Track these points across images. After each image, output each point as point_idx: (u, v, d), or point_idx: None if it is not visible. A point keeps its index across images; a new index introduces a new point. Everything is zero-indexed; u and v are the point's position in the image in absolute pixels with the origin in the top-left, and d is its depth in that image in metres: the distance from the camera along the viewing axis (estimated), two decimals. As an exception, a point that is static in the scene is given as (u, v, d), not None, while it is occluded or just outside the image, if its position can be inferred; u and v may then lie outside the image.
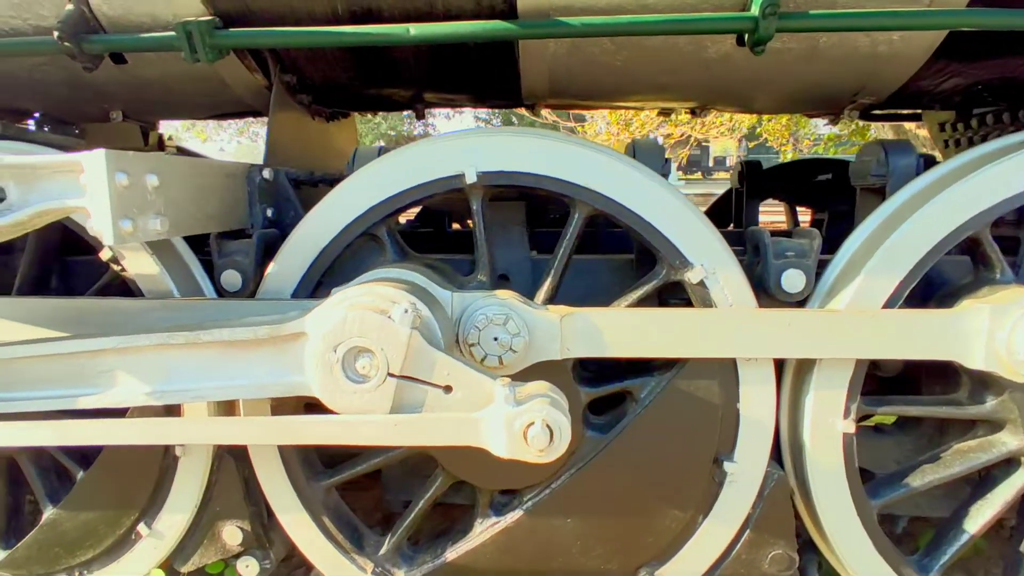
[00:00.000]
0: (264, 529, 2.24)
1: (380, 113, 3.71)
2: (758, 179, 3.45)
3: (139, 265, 2.06)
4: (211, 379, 1.80)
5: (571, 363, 1.96)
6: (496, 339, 1.80)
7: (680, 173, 22.48)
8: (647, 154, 2.14)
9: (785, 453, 2.07)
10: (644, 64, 2.35)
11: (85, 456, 2.29)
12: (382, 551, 2.15)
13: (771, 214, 6.27)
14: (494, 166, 1.90)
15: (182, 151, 3.96)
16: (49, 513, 2.27)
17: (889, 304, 1.86)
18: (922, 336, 1.81)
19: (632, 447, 1.97)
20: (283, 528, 2.17)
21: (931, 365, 2.09)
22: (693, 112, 2.91)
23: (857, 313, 1.83)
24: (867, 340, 1.81)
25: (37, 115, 3.07)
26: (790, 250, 1.96)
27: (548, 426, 1.45)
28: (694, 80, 2.44)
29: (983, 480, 2.07)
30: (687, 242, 1.87)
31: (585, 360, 2.02)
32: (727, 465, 1.95)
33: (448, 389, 1.57)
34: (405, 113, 3.42)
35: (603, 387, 2.00)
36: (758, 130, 8.56)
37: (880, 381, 2.30)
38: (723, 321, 1.83)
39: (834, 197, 3.14)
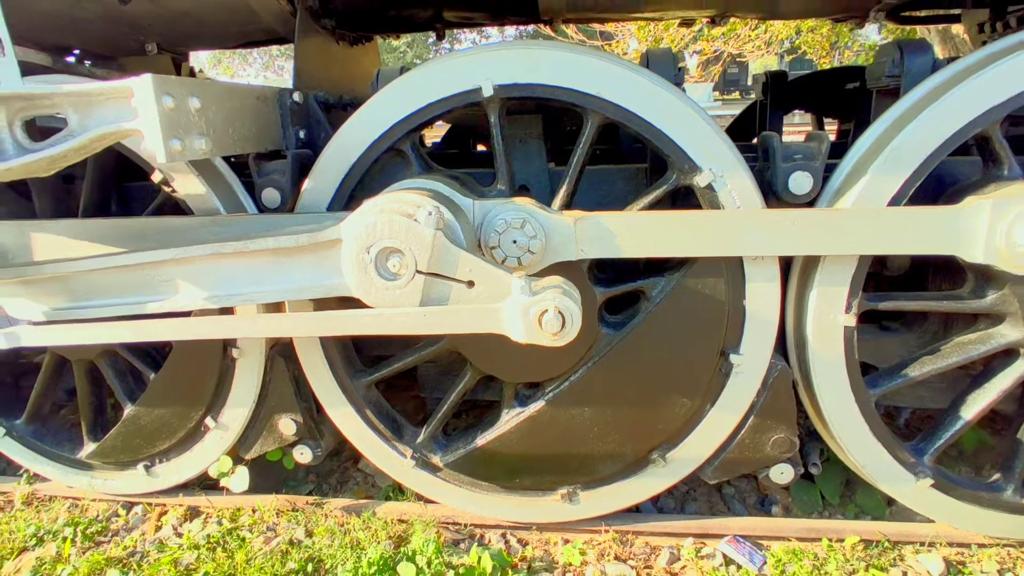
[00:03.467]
0: (315, 422, 2.51)
1: (405, 41, 3.75)
2: (783, 90, 3.42)
3: (188, 186, 2.25)
4: (259, 284, 2.01)
5: (586, 264, 2.09)
6: (515, 242, 1.94)
7: (716, 93, 21.62)
8: (660, 63, 2.19)
9: (791, 347, 2.20)
10: (657, -28, 2.35)
11: (155, 360, 2.58)
12: (419, 439, 2.40)
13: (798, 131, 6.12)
14: (509, 79, 1.98)
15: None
16: (129, 410, 2.58)
17: (894, 202, 1.92)
18: (924, 232, 1.88)
19: (644, 342, 2.13)
20: (331, 420, 2.43)
21: (937, 264, 2.18)
22: (713, 21, 2.89)
23: (859, 210, 1.90)
24: (869, 237, 1.89)
25: (76, 51, 3.23)
26: (798, 153, 2.02)
27: (560, 312, 1.62)
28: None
29: (982, 371, 2.17)
30: (696, 147, 1.95)
31: (601, 262, 2.16)
32: (733, 357, 2.10)
33: (471, 284, 1.73)
34: (431, 40, 3.46)
35: (617, 287, 2.14)
36: (796, 42, 8.14)
37: (889, 281, 2.39)
38: (728, 222, 1.93)
39: (860, 106, 3.11)
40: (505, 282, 1.68)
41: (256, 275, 2.02)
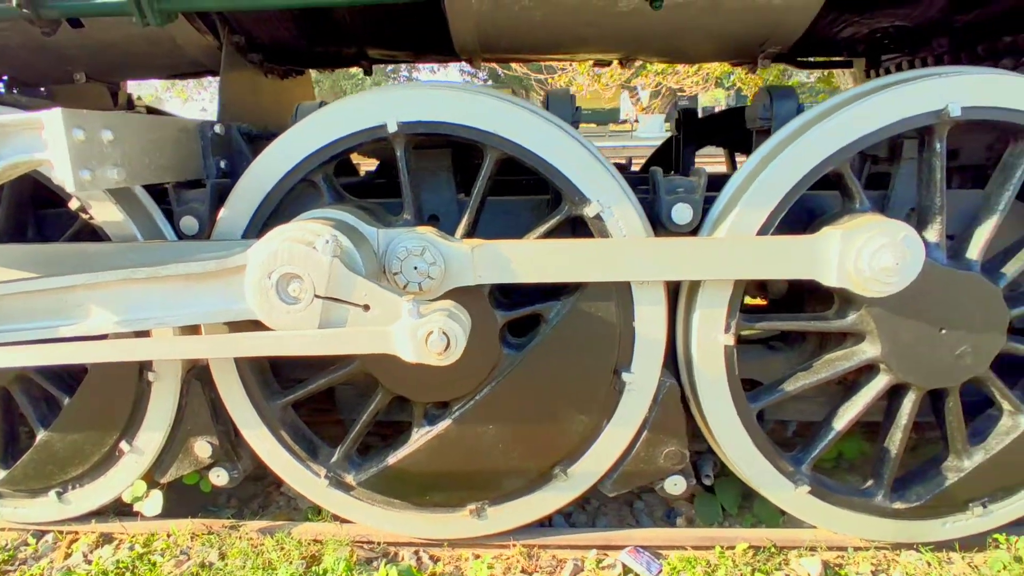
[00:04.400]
0: (232, 444, 2.56)
1: (362, 72, 3.85)
2: (694, 127, 3.67)
3: (105, 214, 2.31)
4: (170, 308, 2.08)
5: (487, 289, 2.23)
6: (416, 268, 2.07)
7: (668, 124, 22.43)
8: (558, 103, 2.37)
9: (682, 365, 2.37)
10: (562, 18, 2.55)
11: (69, 385, 2.59)
12: (334, 459, 2.47)
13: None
14: (413, 117, 2.13)
15: (152, 110, 4.14)
16: (42, 436, 2.58)
17: (763, 232, 2.12)
18: (787, 258, 2.08)
19: (542, 363, 2.27)
20: (247, 442, 2.48)
21: (811, 288, 2.38)
22: (621, 63, 3.11)
23: (730, 239, 2.10)
24: (740, 263, 2.09)
25: (4, 79, 3.26)
26: (680, 186, 2.22)
27: (444, 333, 1.74)
28: (610, 32, 2.65)
29: (851, 386, 2.38)
30: (584, 181, 2.12)
31: (504, 287, 2.30)
32: (625, 375, 2.25)
33: (367, 308, 1.84)
34: (388, 68, 3.60)
35: (517, 311, 2.28)
36: (732, 79, 8.64)
37: (772, 303, 2.60)
38: (613, 249, 2.09)
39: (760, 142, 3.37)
40: (396, 305, 1.80)
41: (167, 300, 2.08)
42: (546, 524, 2.75)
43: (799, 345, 2.56)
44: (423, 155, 2.42)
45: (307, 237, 1.87)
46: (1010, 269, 2.17)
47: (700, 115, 3.79)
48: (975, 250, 2.15)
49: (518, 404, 2.32)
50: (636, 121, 20.68)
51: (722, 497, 2.79)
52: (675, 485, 2.40)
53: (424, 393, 2.36)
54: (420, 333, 1.76)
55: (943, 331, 2.18)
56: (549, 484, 2.40)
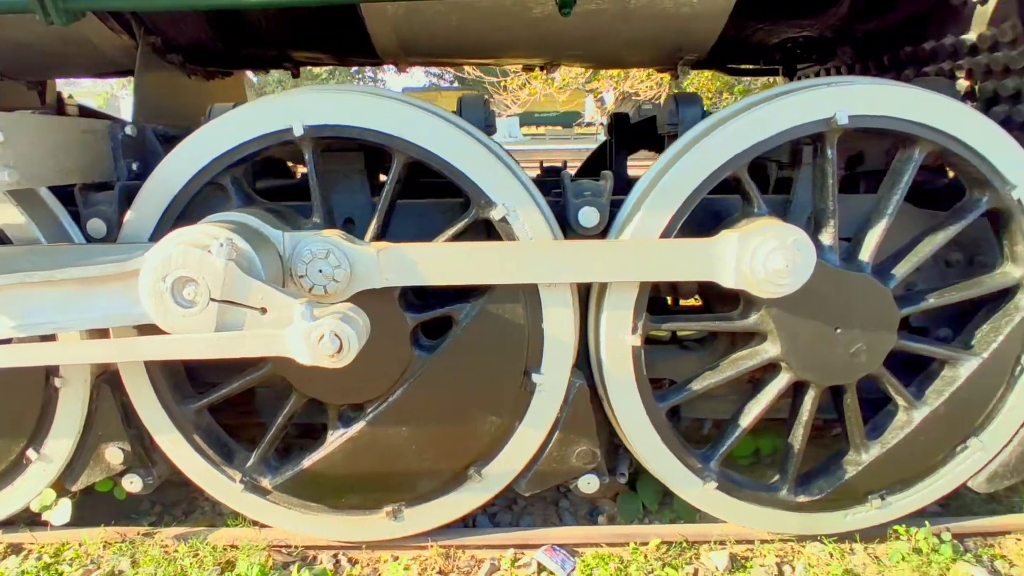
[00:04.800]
0: (145, 449, 2.52)
1: (327, 70, 3.81)
2: (626, 131, 3.72)
3: (5, 216, 2.25)
4: (68, 312, 2.04)
5: (397, 292, 2.24)
6: (321, 271, 2.07)
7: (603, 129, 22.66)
8: (471, 108, 2.40)
9: (594, 366, 2.41)
10: (477, 23, 2.59)
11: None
12: (250, 463, 2.45)
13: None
14: (319, 120, 2.13)
15: (84, 110, 4.05)
16: (-55, 444, 2.50)
17: (665, 235, 2.18)
18: (687, 260, 2.14)
19: (453, 364, 2.29)
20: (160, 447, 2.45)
21: (721, 290, 2.45)
22: (542, 68, 3.15)
23: (632, 242, 2.15)
24: (642, 265, 2.14)
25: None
26: (587, 190, 2.27)
27: (336, 335, 1.75)
28: (526, 38, 2.69)
29: (756, 384, 2.45)
30: (490, 184, 2.15)
31: (417, 289, 2.32)
32: (535, 376, 2.28)
33: (263, 311, 1.84)
34: (354, 69, 3.58)
35: (427, 313, 2.29)
36: (683, 84, 8.81)
37: (705, 303, 2.65)
38: (518, 252, 2.12)
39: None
40: (291, 308, 1.80)
41: (64, 304, 2.05)
42: (469, 524, 2.78)
43: (711, 345, 2.63)
44: (337, 158, 2.43)
45: (203, 240, 1.86)
46: (900, 271, 2.26)
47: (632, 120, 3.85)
48: (866, 252, 2.24)
49: (431, 406, 2.33)
50: (601, 124, 20.88)
51: (643, 494, 2.85)
52: (588, 484, 2.44)
53: (337, 395, 2.36)
54: (313, 336, 1.76)
55: (838, 330, 2.26)
56: (464, 485, 2.43)
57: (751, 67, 3.64)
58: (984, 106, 2.53)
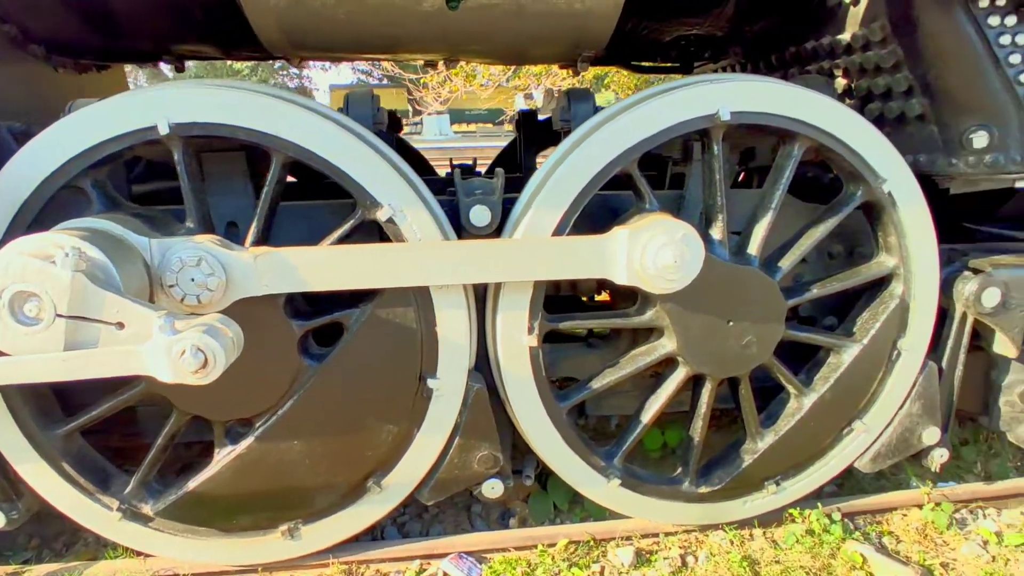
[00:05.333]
0: (9, 481, 2.29)
1: (247, 65, 3.58)
2: (534, 129, 3.71)
3: None
4: None
5: (282, 299, 2.12)
6: (193, 280, 1.92)
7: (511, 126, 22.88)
8: (358, 105, 2.30)
9: (494, 368, 2.36)
10: (366, 17, 2.48)
11: None
12: (128, 489, 2.27)
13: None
14: (187, 117, 1.98)
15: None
16: None
17: (557, 233, 2.16)
18: (579, 258, 2.12)
19: (345, 372, 2.19)
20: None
21: (620, 287, 2.45)
22: (446, 63, 3.09)
23: (522, 241, 2.11)
24: (534, 264, 2.10)
25: None
26: (479, 188, 2.22)
27: (200, 350, 1.62)
28: (418, 33, 2.60)
29: (656, 379, 2.47)
30: (375, 184, 2.06)
31: (311, 295, 2.21)
32: (431, 382, 2.22)
33: (120, 325, 1.69)
34: (277, 64, 3.35)
35: (315, 320, 2.18)
36: (606, 80, 8.94)
37: (591, 301, 2.65)
38: (405, 254, 2.05)
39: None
40: (150, 321, 1.66)
41: None
42: (376, 536, 2.69)
43: (615, 342, 2.64)
44: (217, 158, 2.29)
45: (47, 250, 1.68)
46: (785, 263, 2.33)
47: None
48: (754, 246, 2.29)
49: (323, 416, 2.22)
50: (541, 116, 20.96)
51: (554, 494, 2.83)
52: (492, 489, 2.40)
53: (221, 411, 2.21)
54: (174, 351, 1.63)
55: (730, 323, 2.30)
56: (364, 497, 2.33)
57: (651, 64, 3.70)
58: (860, 103, 2.65)
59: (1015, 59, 2.19)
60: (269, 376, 2.18)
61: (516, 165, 3.95)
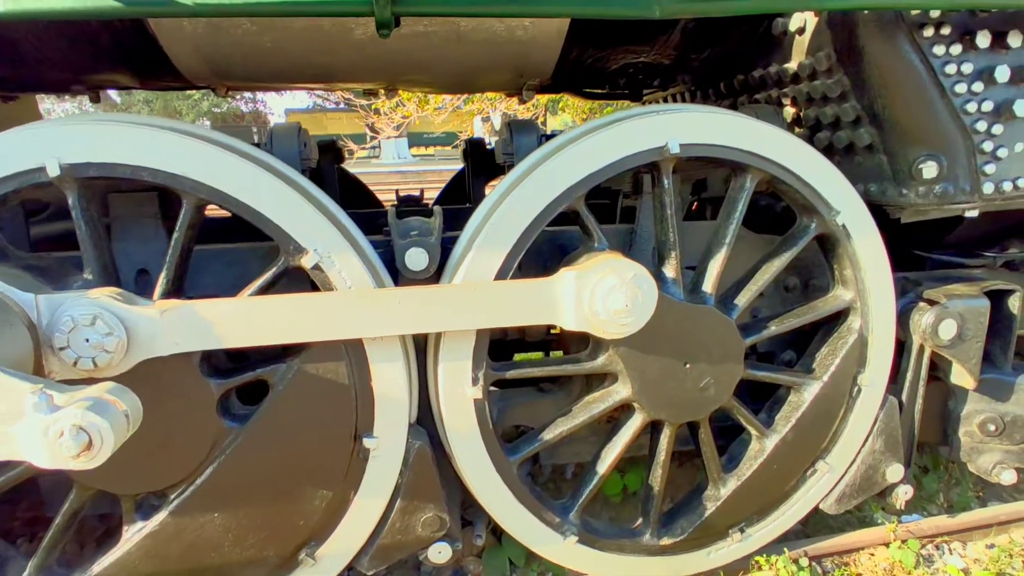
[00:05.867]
0: None
1: (200, 91, 3.28)
2: (482, 158, 3.58)
3: None
4: None
5: (198, 356, 1.91)
6: (87, 340, 1.70)
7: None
8: (282, 140, 2.12)
9: (438, 422, 2.18)
10: (294, 45, 2.32)
11: None
12: (25, 574, 2.00)
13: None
14: (81, 157, 1.77)
15: None
16: None
17: (500, 276, 2.00)
18: (523, 304, 1.97)
19: (271, 434, 1.98)
20: None
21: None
22: (386, 91, 2.94)
23: (460, 287, 1.95)
24: (474, 311, 1.94)
25: None
26: (414, 229, 2.05)
27: (83, 430, 1.40)
28: (354, 61, 2.45)
29: (612, 427, 2.33)
30: (298, 228, 1.88)
31: (231, 351, 2.00)
32: (367, 441, 2.02)
33: (-10, 402, 1.45)
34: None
35: (235, 377, 1.97)
36: (560, 104, 8.94)
37: (545, 343, 2.50)
38: (331, 304, 1.86)
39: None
40: (22, 397, 1.43)
41: None
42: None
43: (568, 385, 2.49)
44: (125, 199, 2.07)
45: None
46: (741, 300, 2.23)
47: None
48: (708, 283, 2.18)
49: (248, 484, 2.00)
50: (489, 145, 21.02)
51: (509, 549, 2.64)
52: (439, 553, 2.20)
53: (129, 484, 1.97)
54: (51, 432, 1.40)
55: (687, 365, 2.18)
56: (296, 571, 2.11)
57: (600, 91, 3.62)
58: (809, 132, 2.60)
59: (961, 88, 2.16)
60: (184, 441, 1.95)
61: (465, 196, 3.82)
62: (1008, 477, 2.56)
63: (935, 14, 2.09)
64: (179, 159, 1.80)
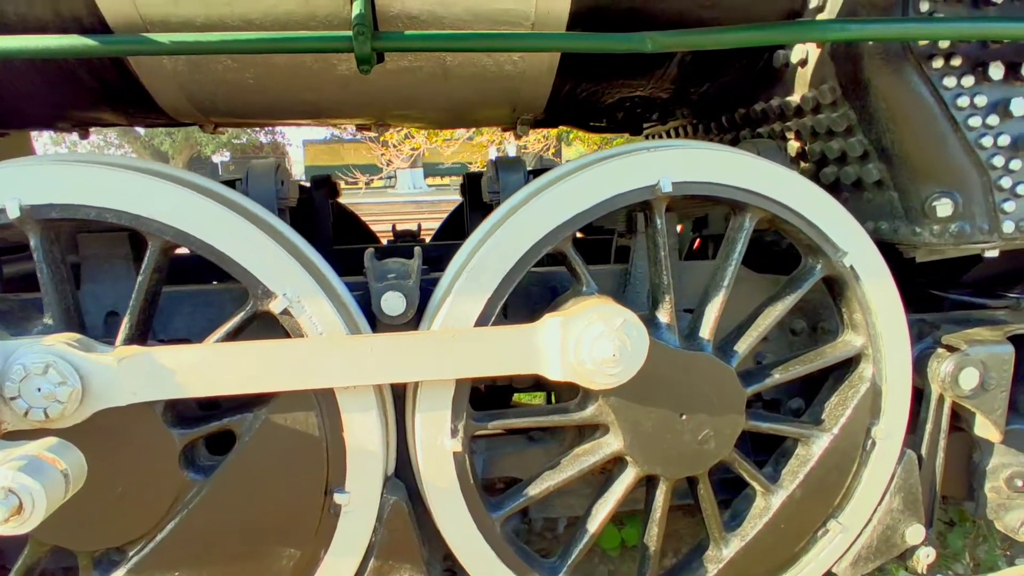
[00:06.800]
0: None
1: (187, 126, 3.25)
2: (479, 192, 3.49)
3: None
4: None
5: (161, 405, 1.81)
6: (39, 390, 1.61)
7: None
8: (258, 180, 2.06)
9: (417, 476, 2.05)
10: (278, 82, 2.27)
11: None
12: (-25, 636, 1.89)
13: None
14: (43, 198, 1.71)
15: None
16: None
17: (481, 322, 1.89)
18: (504, 352, 1.85)
19: (236, 488, 1.86)
20: None
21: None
22: (375, 127, 2.88)
23: (435, 334, 1.84)
24: (452, 360, 1.83)
25: None
26: (392, 272, 1.95)
27: (13, 492, 1.30)
28: (339, 97, 2.40)
29: (605, 481, 2.17)
30: (265, 272, 1.79)
31: (200, 400, 1.90)
32: (338, 496, 1.90)
33: (-79, 461, 1.36)
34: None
35: (200, 427, 1.87)
36: (572, 136, 8.91)
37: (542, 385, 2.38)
38: (299, 351, 1.76)
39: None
40: (-50, 457, 1.34)
41: None
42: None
43: (559, 434, 2.35)
44: (95, 239, 2.01)
45: None
46: (742, 346, 2.08)
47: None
48: (706, 329, 2.05)
49: (212, 540, 1.88)
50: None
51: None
52: (416, 617, 2.05)
53: (86, 540, 1.86)
54: (-23, 496, 1.31)
55: (683, 416, 2.04)
56: (262, 635, 1.97)
57: (601, 124, 3.53)
58: (815, 167, 2.47)
59: (974, 122, 2.03)
60: (144, 495, 1.84)
61: (463, 232, 3.73)
62: (1040, 538, 2.35)
63: (944, 45, 1.98)
64: (143, 200, 1.73)
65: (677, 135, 3.29)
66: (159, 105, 2.41)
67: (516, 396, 3.68)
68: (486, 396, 2.83)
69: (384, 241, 3.63)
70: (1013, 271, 2.56)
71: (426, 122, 3.13)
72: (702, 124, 2.98)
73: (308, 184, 3.31)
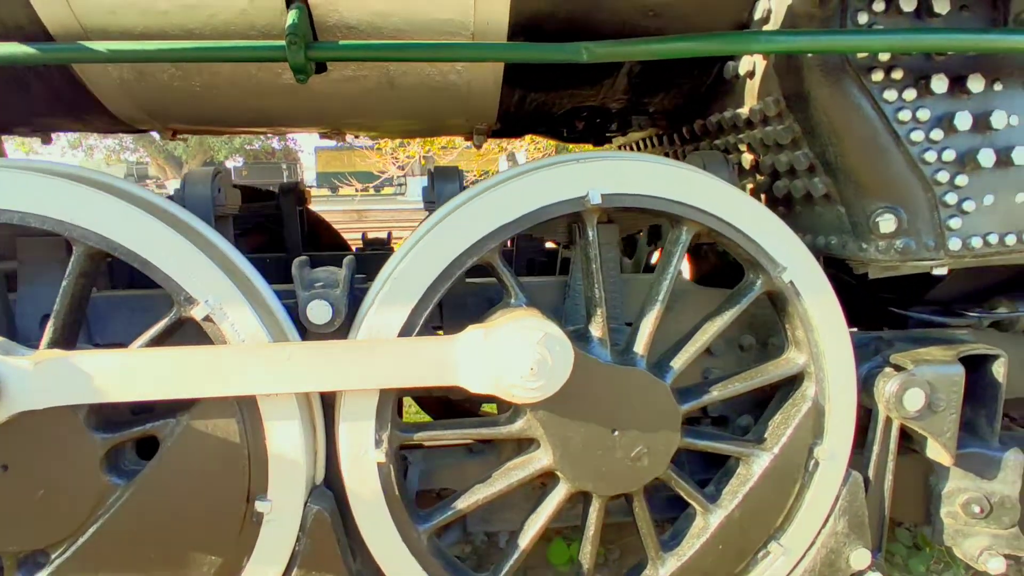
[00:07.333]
0: None
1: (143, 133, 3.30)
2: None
3: None
4: None
5: (84, 410, 1.82)
6: (-46, 393, 1.63)
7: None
8: (194, 187, 2.07)
9: (346, 487, 2.04)
10: (224, 90, 2.29)
11: None
12: (-98, 634, 1.91)
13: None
14: (-37, 202, 1.74)
15: None
16: None
17: (405, 332, 1.88)
18: (423, 363, 1.84)
19: (158, 493, 1.87)
20: None
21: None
22: (332, 135, 2.90)
23: (353, 343, 1.84)
24: (369, 370, 1.82)
25: None
26: (319, 280, 1.95)
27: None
28: (288, 105, 2.41)
29: (540, 494, 2.14)
30: (188, 278, 1.80)
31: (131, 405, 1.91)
32: (259, 504, 1.89)
33: None
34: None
35: (122, 432, 1.88)
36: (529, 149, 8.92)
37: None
38: (216, 358, 1.76)
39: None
40: None
41: None
42: None
43: (498, 448, 2.33)
44: (32, 243, 2.03)
45: None
46: (678, 363, 2.05)
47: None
48: (640, 344, 2.02)
49: (132, 545, 1.89)
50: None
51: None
52: (341, 629, 2.03)
53: (8, 541, 1.87)
54: None
55: (616, 433, 2.00)
56: (180, 644, 1.96)
57: (563, 135, 3.51)
58: (770, 180, 2.43)
59: (917, 136, 1.98)
60: (66, 498, 1.85)
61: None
62: (996, 566, 2.26)
63: (885, 58, 1.93)
64: (65, 206, 1.75)
65: (644, 147, 3.26)
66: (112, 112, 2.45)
67: (484, 407, 3.65)
68: (455, 407, 2.81)
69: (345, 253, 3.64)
70: (975, 289, 2.49)
71: (382, 131, 3.14)
72: (667, 135, 2.95)
73: (276, 191, 3.34)
